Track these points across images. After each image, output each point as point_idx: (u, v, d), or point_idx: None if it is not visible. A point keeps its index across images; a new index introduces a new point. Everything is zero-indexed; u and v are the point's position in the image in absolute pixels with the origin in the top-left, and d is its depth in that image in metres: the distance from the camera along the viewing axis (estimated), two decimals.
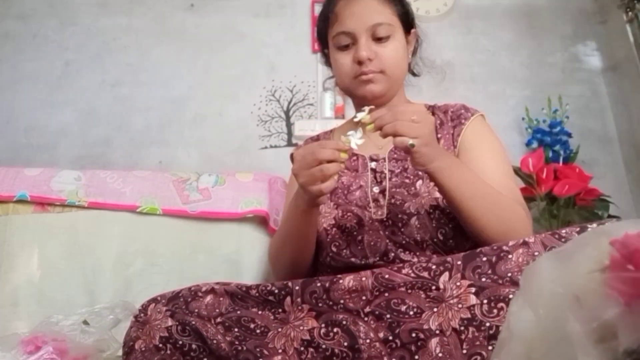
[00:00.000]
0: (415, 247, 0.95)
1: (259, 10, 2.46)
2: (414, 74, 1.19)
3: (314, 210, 0.95)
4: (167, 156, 2.25)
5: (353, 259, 0.98)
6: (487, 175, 0.97)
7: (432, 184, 0.98)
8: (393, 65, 1.06)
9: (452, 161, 0.92)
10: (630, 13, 2.18)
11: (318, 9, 2.47)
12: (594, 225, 0.70)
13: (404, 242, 0.95)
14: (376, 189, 1.02)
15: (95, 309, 0.88)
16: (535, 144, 2.21)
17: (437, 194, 0.97)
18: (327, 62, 1.19)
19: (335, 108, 2.24)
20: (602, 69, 2.41)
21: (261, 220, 1.47)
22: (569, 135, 2.22)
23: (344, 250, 1.00)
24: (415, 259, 0.94)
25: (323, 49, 1.17)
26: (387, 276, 0.75)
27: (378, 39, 1.04)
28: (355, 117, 0.90)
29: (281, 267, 1.08)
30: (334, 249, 1.01)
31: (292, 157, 1.25)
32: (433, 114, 1.12)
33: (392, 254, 0.95)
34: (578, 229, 0.71)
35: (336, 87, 1.25)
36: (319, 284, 0.78)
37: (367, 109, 0.89)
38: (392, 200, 0.99)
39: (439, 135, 1.07)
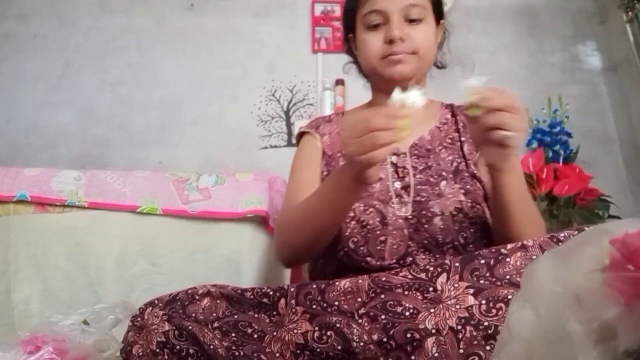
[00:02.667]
0: (436, 249, 0.93)
1: (259, 10, 2.46)
2: (438, 67, 1.16)
3: (360, 188, 0.88)
4: (167, 156, 2.25)
5: (369, 258, 0.95)
6: None
7: (456, 185, 0.98)
8: (425, 47, 1.02)
9: (517, 161, 0.91)
10: (630, 13, 2.18)
11: (318, 9, 2.47)
12: (592, 227, 0.69)
13: (425, 241, 0.94)
14: (398, 184, 1.00)
15: (95, 309, 0.88)
16: (535, 144, 2.21)
17: (462, 197, 0.96)
18: (349, 49, 1.15)
19: (335, 108, 2.24)
20: (602, 69, 2.41)
21: (261, 220, 1.47)
22: (569, 135, 2.22)
23: (362, 248, 0.96)
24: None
25: (347, 33, 1.13)
26: (384, 279, 0.74)
27: (411, 21, 1.02)
28: (393, 97, 0.81)
29: (296, 242, 0.99)
30: (352, 245, 0.97)
31: (300, 135, 1.20)
32: (453, 114, 1.11)
33: (410, 258, 0.93)
34: (576, 233, 0.70)
35: (359, 72, 1.18)
36: (314, 286, 0.77)
37: (400, 90, 0.81)
38: (417, 198, 0.97)
39: (463, 139, 1.07)
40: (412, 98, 0.78)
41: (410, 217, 0.96)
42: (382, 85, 1.09)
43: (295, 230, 0.99)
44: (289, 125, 2.32)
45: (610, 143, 2.30)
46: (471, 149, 1.05)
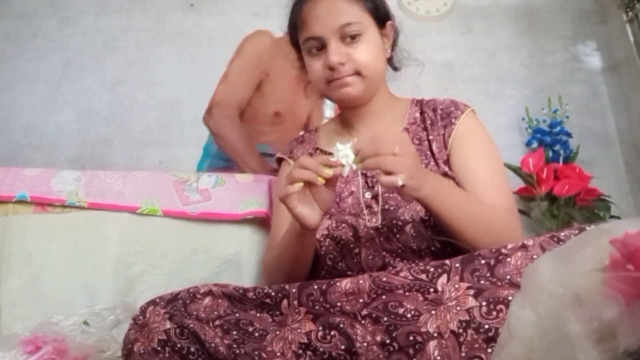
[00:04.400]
0: (412, 256, 0.93)
1: (258, 10, 2.46)
2: (395, 69, 1.11)
3: (308, 233, 0.89)
4: (167, 156, 2.25)
5: (349, 272, 0.95)
6: (478, 178, 0.96)
7: None
8: (368, 65, 0.98)
9: (440, 184, 0.89)
10: (630, 13, 2.18)
11: None
12: (592, 227, 0.67)
13: (399, 250, 0.93)
14: (368, 195, 0.99)
15: (95, 310, 0.88)
16: (535, 144, 2.22)
17: None
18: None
19: (335, 108, 2.24)
20: (602, 69, 2.41)
21: (261, 222, 1.47)
22: (569, 135, 2.22)
23: (339, 264, 0.97)
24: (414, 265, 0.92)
25: (299, 57, 1.11)
26: (384, 279, 0.74)
27: (350, 38, 0.97)
28: (337, 148, 0.83)
29: (275, 280, 1.01)
30: (329, 262, 0.98)
31: (278, 161, 1.21)
32: (421, 111, 1.08)
33: (390, 268, 0.92)
34: (577, 232, 0.70)
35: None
36: (315, 287, 0.77)
37: (348, 143, 0.82)
38: (386, 206, 0.96)
39: (431, 137, 1.04)
40: (351, 161, 0.81)
41: (380, 226, 0.95)
42: (338, 104, 1.11)
43: (272, 269, 1.02)
44: None
45: (610, 143, 2.30)
46: (440, 147, 1.02)
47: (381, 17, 1.03)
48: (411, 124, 1.07)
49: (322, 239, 0.98)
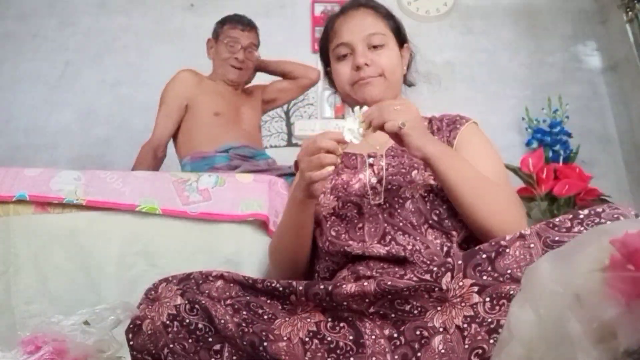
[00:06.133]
0: (412, 230, 0.97)
1: (259, 10, 2.46)
2: (408, 85, 1.25)
3: (310, 201, 0.98)
4: (167, 156, 2.25)
5: (351, 242, 0.99)
6: (482, 172, 1.00)
7: (427, 173, 1.02)
8: (389, 69, 1.12)
9: (446, 148, 0.98)
10: (630, 13, 2.18)
11: (318, 9, 2.48)
12: (586, 211, 0.72)
13: (401, 224, 0.98)
14: (374, 180, 1.06)
15: (96, 310, 0.88)
16: (535, 144, 2.22)
17: (432, 181, 1.01)
18: (330, 81, 1.25)
19: (335, 108, 2.24)
20: (602, 69, 2.41)
21: (261, 222, 1.47)
22: (569, 135, 2.22)
23: (343, 235, 1.02)
24: (411, 244, 0.95)
25: (326, 67, 1.25)
26: (389, 282, 0.75)
27: (374, 47, 1.12)
28: (351, 114, 0.96)
29: (280, 261, 1.11)
30: (333, 233, 1.03)
31: (296, 163, 1.26)
32: (430, 121, 1.16)
33: (389, 237, 0.97)
34: (570, 216, 0.72)
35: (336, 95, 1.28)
36: (322, 287, 0.79)
37: (360, 108, 0.94)
38: (389, 187, 1.04)
39: (435, 136, 1.10)
40: (353, 135, 0.92)
41: (382, 203, 1.02)
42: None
43: (276, 248, 1.11)
44: (289, 125, 2.32)
45: (610, 143, 2.30)
46: (442, 140, 1.10)
47: (401, 37, 1.18)
48: None
49: (327, 216, 1.05)
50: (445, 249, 0.94)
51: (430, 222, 0.97)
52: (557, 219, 0.74)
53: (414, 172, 1.04)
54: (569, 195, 1.97)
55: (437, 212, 0.98)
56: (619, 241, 0.42)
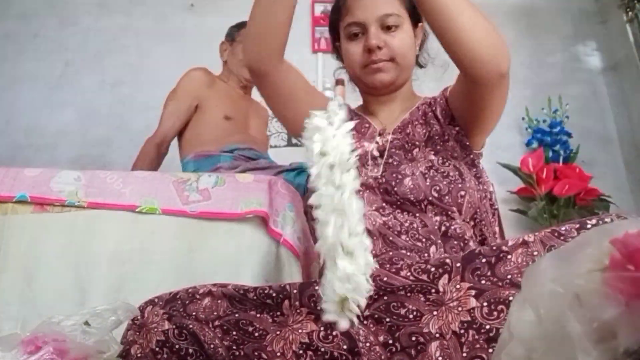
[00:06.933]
0: (412, 207, 0.96)
1: None
2: (421, 66, 1.22)
3: None
4: (167, 156, 2.25)
5: None
6: None
7: (427, 149, 1.01)
8: (402, 53, 1.08)
9: None
10: (630, 13, 2.18)
11: (318, 9, 2.48)
12: (593, 221, 0.69)
13: (399, 202, 0.97)
14: (376, 152, 1.06)
15: (96, 310, 0.88)
16: (535, 144, 2.22)
17: (432, 157, 1.00)
18: (339, 55, 1.21)
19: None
20: (602, 69, 2.41)
21: (261, 221, 1.47)
22: (569, 135, 2.22)
23: None
24: (408, 222, 0.94)
25: (334, 41, 1.20)
26: (385, 279, 0.74)
27: (387, 28, 1.07)
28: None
29: (256, 25, 1.02)
30: None
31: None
32: (433, 101, 1.14)
33: (388, 211, 0.97)
34: (577, 226, 0.70)
35: (348, 79, 1.26)
36: (316, 287, 0.77)
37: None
38: (390, 160, 1.02)
39: (434, 107, 1.10)
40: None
41: (379, 176, 1.00)
42: (367, 90, 1.15)
43: (253, 15, 1.01)
44: None
45: (610, 143, 2.30)
46: (443, 106, 1.08)
47: (416, 17, 1.13)
48: (422, 104, 1.14)
49: None
50: (443, 228, 0.93)
51: (430, 198, 0.96)
52: (563, 228, 0.71)
53: (415, 150, 1.03)
54: (569, 195, 1.97)
55: (437, 188, 0.96)
56: (619, 241, 0.42)
